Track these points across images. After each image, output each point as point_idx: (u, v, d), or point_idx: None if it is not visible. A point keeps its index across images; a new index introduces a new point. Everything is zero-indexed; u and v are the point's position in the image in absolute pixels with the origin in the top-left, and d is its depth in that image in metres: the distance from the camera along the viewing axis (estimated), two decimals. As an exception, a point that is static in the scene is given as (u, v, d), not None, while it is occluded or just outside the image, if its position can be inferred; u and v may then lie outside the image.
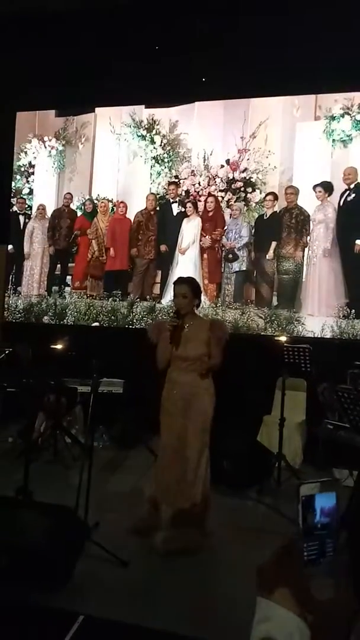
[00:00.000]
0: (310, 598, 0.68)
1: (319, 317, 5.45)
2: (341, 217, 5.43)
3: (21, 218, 6.65)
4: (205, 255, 5.89)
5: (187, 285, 3.13)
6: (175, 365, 3.09)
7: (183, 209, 6.00)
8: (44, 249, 6.53)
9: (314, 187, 5.49)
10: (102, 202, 6.33)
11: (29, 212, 6.64)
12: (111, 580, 2.62)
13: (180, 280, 3.20)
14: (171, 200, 6.06)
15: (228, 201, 5.85)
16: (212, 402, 3.11)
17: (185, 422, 3.03)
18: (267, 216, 5.69)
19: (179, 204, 6.03)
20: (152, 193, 6.14)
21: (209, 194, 5.90)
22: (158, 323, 3.33)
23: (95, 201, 6.36)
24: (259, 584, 0.76)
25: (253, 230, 5.76)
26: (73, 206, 6.46)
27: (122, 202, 6.24)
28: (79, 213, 6.43)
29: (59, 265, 6.47)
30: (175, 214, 6.04)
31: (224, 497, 3.83)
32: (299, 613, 0.71)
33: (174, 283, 3.21)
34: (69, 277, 6.45)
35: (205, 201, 5.89)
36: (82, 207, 6.41)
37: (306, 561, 0.73)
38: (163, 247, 6.05)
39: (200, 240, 5.89)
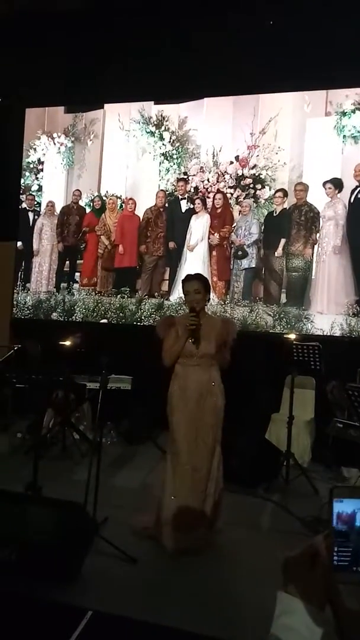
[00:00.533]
0: (340, 603, 0.67)
1: (328, 315, 5.42)
2: (351, 214, 5.38)
3: (30, 215, 6.67)
4: (214, 253, 5.87)
5: (199, 281, 3.10)
6: (186, 362, 3.06)
7: (192, 206, 5.98)
8: (53, 246, 6.54)
9: (324, 183, 5.45)
10: (110, 198, 6.33)
11: (38, 209, 6.66)
12: (120, 576, 2.63)
13: (191, 277, 3.16)
14: (180, 197, 6.04)
15: (237, 198, 5.82)
16: (223, 398, 3.10)
17: (198, 420, 3.01)
18: (277, 213, 5.66)
19: (187, 201, 6.02)
20: (161, 190, 6.12)
21: (218, 191, 5.88)
22: (167, 318, 3.29)
23: (104, 198, 6.36)
24: (285, 577, 0.74)
25: (262, 227, 5.73)
26: (82, 203, 6.47)
27: (131, 198, 6.24)
28: (88, 210, 6.43)
29: (67, 262, 6.49)
30: (184, 210, 6.03)
31: (232, 495, 3.81)
32: (323, 611, 0.69)
33: (184, 280, 3.16)
34: (77, 274, 6.46)
35: (214, 198, 5.87)
36: (91, 204, 6.42)
37: (336, 566, 0.70)
38: (171, 244, 6.04)
39: (209, 238, 5.87)
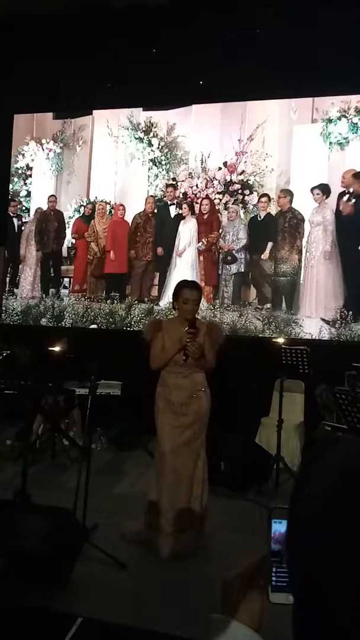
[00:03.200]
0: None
1: (316, 319, 5.47)
2: (339, 219, 5.44)
3: (16, 220, 6.65)
4: (201, 258, 5.90)
5: (199, 292, 3.12)
6: (173, 369, 3.07)
7: (180, 211, 6.01)
8: (42, 251, 6.53)
9: (312, 189, 5.51)
10: (99, 204, 6.33)
11: (26, 215, 6.64)
12: (109, 582, 2.61)
13: (192, 285, 3.13)
14: (169, 203, 6.07)
15: (226, 203, 5.87)
16: (209, 403, 3.11)
17: (183, 423, 3.03)
18: (262, 218, 5.71)
19: (176, 206, 6.05)
20: (151, 195, 6.15)
21: (206, 197, 5.91)
22: (155, 322, 3.30)
23: (94, 203, 6.36)
24: (222, 598, 0.75)
25: (248, 232, 5.78)
26: (68, 208, 6.46)
27: (121, 204, 6.25)
28: (76, 216, 6.42)
29: (53, 268, 6.47)
30: (172, 216, 6.05)
31: (223, 499, 3.82)
32: (259, 633, 0.70)
33: (184, 286, 3.09)
34: (65, 280, 6.44)
35: (201, 204, 5.91)
36: (81, 210, 6.41)
37: (274, 586, 0.71)
38: (159, 250, 6.06)
39: (198, 243, 5.90)
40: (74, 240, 6.43)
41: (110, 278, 6.24)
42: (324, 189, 5.49)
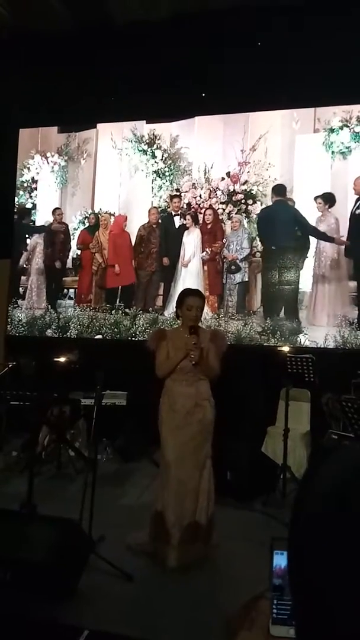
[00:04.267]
0: None
1: (322, 327, 5.46)
2: (352, 227, 5.41)
3: (23, 233, 6.72)
4: (205, 267, 5.92)
5: (202, 299, 3.16)
6: (178, 377, 3.08)
7: (184, 222, 6.05)
8: (46, 264, 6.58)
9: (315, 198, 5.53)
10: (103, 216, 6.39)
11: (32, 227, 6.71)
12: (116, 594, 2.60)
13: (195, 293, 3.17)
14: (173, 213, 6.11)
15: (229, 213, 5.90)
16: (213, 413, 3.11)
17: (187, 433, 3.02)
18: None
19: (181, 217, 6.09)
20: (154, 207, 6.20)
21: (209, 207, 5.95)
22: (159, 331, 3.31)
23: (99, 215, 6.42)
24: (227, 634, 0.76)
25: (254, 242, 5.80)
26: (67, 220, 6.52)
27: (123, 215, 6.29)
28: (81, 228, 6.48)
29: (58, 280, 6.52)
30: (177, 226, 6.10)
31: (229, 509, 3.80)
32: None
33: (187, 294, 3.14)
34: (71, 291, 6.49)
35: (204, 214, 5.94)
36: (85, 222, 6.47)
37: (275, 619, 0.71)
38: (165, 260, 6.09)
39: (202, 252, 5.93)
40: (79, 252, 6.48)
41: (117, 290, 6.26)
42: (327, 198, 5.50)
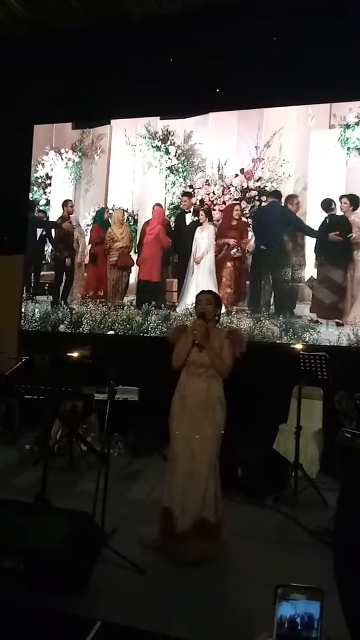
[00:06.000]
0: None
1: (334, 326, 5.42)
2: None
3: (38, 229, 6.77)
4: (219, 264, 5.91)
5: (210, 294, 3.28)
6: (190, 372, 3.11)
7: (195, 218, 6.04)
8: (58, 259, 6.62)
9: (340, 197, 5.45)
10: (117, 211, 6.39)
11: (46, 223, 6.75)
12: (128, 587, 2.62)
13: (205, 291, 3.34)
14: (185, 211, 6.11)
15: (243, 210, 5.88)
16: (224, 411, 3.11)
17: (197, 432, 3.03)
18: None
19: (192, 214, 6.08)
20: (157, 204, 6.17)
21: (222, 203, 5.93)
22: (180, 325, 3.41)
23: (111, 211, 6.44)
24: None
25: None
26: (80, 216, 6.52)
27: (157, 208, 6.20)
28: (91, 223, 6.49)
29: (71, 275, 6.55)
30: (188, 223, 6.09)
31: (241, 506, 3.81)
32: None
33: (199, 294, 3.28)
34: (79, 287, 6.53)
35: (232, 209, 5.88)
36: (99, 216, 6.47)
37: None
38: (175, 257, 6.11)
39: (215, 249, 5.91)
40: (89, 247, 6.50)
41: (142, 285, 6.24)
42: (352, 200, 5.41)
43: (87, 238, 6.53)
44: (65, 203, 6.60)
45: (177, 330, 3.27)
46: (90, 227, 6.53)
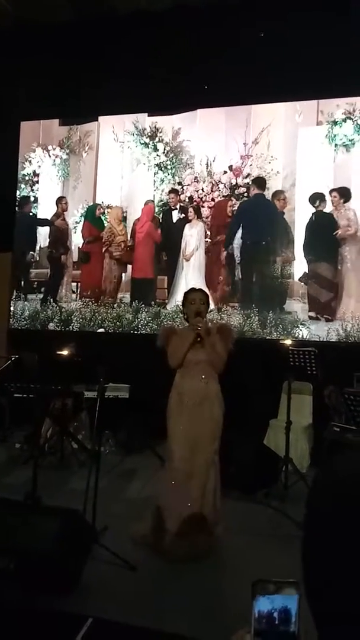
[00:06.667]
0: None
1: (324, 321, 5.46)
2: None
3: (27, 226, 6.71)
4: (210, 260, 5.91)
5: (203, 293, 3.31)
6: (186, 370, 3.12)
7: (182, 216, 6.03)
8: (49, 256, 6.57)
9: (330, 191, 5.48)
10: (116, 208, 6.31)
11: (34, 220, 6.70)
12: (120, 584, 2.62)
13: (197, 289, 3.36)
14: (172, 208, 6.10)
15: (232, 207, 5.89)
16: (222, 407, 3.13)
17: (196, 428, 3.04)
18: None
19: (179, 211, 6.07)
20: (151, 200, 6.15)
21: (228, 198, 5.91)
22: (168, 328, 3.47)
23: (107, 209, 6.37)
24: None
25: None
26: (69, 213, 6.47)
27: (149, 204, 6.17)
28: (82, 220, 6.45)
29: (61, 273, 6.50)
30: (175, 220, 6.08)
31: (231, 501, 3.82)
32: None
33: (189, 291, 3.32)
34: (73, 284, 6.48)
35: (226, 206, 5.87)
36: (91, 213, 6.40)
37: None
38: (164, 254, 6.10)
39: (205, 245, 5.91)
40: (80, 245, 6.45)
41: (137, 283, 6.21)
42: (342, 193, 5.45)
43: (75, 236, 6.48)
44: (60, 200, 6.53)
45: (165, 333, 3.25)
46: (78, 224, 6.49)
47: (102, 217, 6.36)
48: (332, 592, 0.49)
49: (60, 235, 6.51)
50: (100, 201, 6.42)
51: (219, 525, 3.09)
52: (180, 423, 3.05)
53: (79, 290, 6.44)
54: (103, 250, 6.31)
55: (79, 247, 6.51)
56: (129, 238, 6.25)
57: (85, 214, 6.45)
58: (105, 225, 6.33)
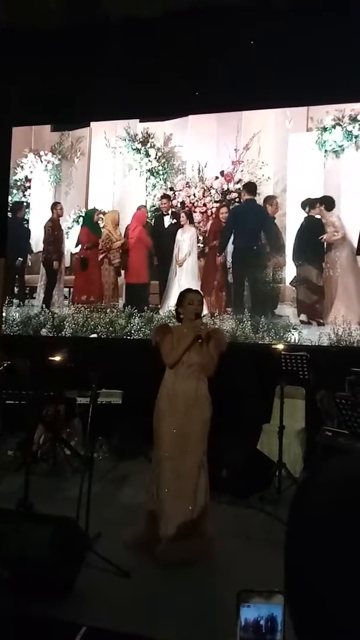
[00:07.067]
0: None
1: (315, 325, 5.49)
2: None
3: (19, 231, 6.69)
4: (202, 265, 5.93)
5: (200, 295, 3.38)
6: (179, 371, 3.14)
7: (174, 221, 6.05)
8: (42, 262, 6.55)
9: (314, 204, 5.51)
10: (112, 212, 6.30)
11: (26, 226, 6.69)
12: (113, 591, 2.61)
13: (195, 291, 3.44)
14: (163, 213, 6.12)
15: (224, 213, 5.92)
16: (210, 410, 3.16)
17: (185, 429, 3.06)
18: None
19: (171, 216, 6.09)
20: (143, 206, 6.17)
21: (203, 205, 5.96)
22: (163, 325, 3.47)
23: (101, 215, 6.35)
24: None
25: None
26: (61, 219, 6.46)
27: (141, 209, 6.17)
28: (75, 226, 6.44)
29: (54, 278, 6.49)
30: (167, 226, 6.10)
31: (225, 506, 3.82)
32: None
33: (187, 291, 3.36)
34: (65, 290, 6.47)
35: (218, 212, 5.91)
36: (89, 219, 6.36)
37: None
38: (155, 259, 6.11)
39: (197, 251, 5.94)
40: (76, 250, 6.42)
41: (132, 287, 6.20)
42: (327, 203, 5.49)
43: (68, 241, 6.46)
44: (55, 205, 6.51)
45: (160, 330, 3.29)
46: (70, 230, 6.48)
47: (100, 223, 6.34)
48: (315, 602, 0.49)
49: (54, 241, 6.50)
50: (93, 207, 6.42)
51: (208, 527, 3.09)
52: (170, 423, 3.08)
53: (70, 296, 6.42)
54: (101, 257, 6.28)
55: (71, 253, 6.50)
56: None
57: (83, 219, 6.42)
58: (102, 231, 6.32)
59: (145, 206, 6.21)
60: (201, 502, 3.01)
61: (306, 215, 5.58)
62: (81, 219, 6.44)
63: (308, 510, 0.52)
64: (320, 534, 0.49)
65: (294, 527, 0.54)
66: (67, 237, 6.49)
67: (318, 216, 5.55)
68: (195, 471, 3.02)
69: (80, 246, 6.40)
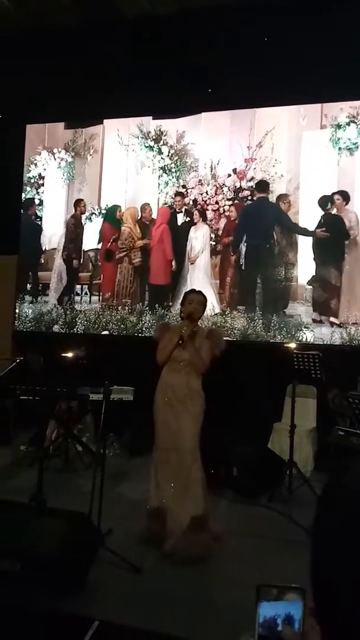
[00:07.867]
0: None
1: (327, 325, 5.46)
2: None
3: (32, 228, 6.74)
4: (215, 263, 5.92)
5: (202, 296, 3.41)
6: (171, 367, 3.23)
7: (187, 219, 6.05)
8: (56, 259, 6.59)
9: (333, 194, 5.48)
10: (131, 209, 6.28)
11: (39, 223, 6.74)
12: (124, 586, 2.64)
13: (196, 291, 3.46)
14: (177, 211, 6.12)
15: (231, 212, 5.91)
16: (203, 404, 3.23)
17: (178, 424, 3.13)
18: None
19: (184, 214, 6.09)
20: (147, 203, 6.18)
21: (215, 203, 5.95)
22: (164, 323, 3.61)
23: (122, 210, 6.33)
24: None
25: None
26: (85, 215, 6.49)
27: (164, 207, 6.16)
28: (87, 223, 6.47)
29: (73, 275, 6.52)
30: (180, 223, 6.10)
31: (235, 504, 3.83)
32: None
33: (188, 292, 3.45)
34: (78, 287, 6.51)
35: (229, 210, 5.90)
36: (111, 215, 6.36)
37: None
38: (170, 256, 6.11)
39: (210, 248, 5.93)
40: (90, 247, 6.42)
41: (155, 287, 6.19)
42: (345, 196, 5.46)
43: (85, 239, 6.47)
44: (78, 202, 6.50)
45: (161, 328, 3.41)
46: (84, 226, 6.50)
47: (122, 219, 6.31)
48: (342, 606, 0.49)
49: (75, 237, 6.53)
50: (105, 204, 6.44)
51: (210, 520, 3.14)
52: (164, 417, 3.18)
53: (91, 292, 6.36)
54: (121, 256, 6.24)
55: (83, 250, 6.52)
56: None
57: (105, 215, 6.40)
58: (123, 228, 6.30)
59: (149, 204, 6.19)
60: (199, 492, 3.04)
61: (323, 213, 5.54)
62: (93, 216, 6.46)
63: (337, 516, 0.52)
64: (348, 547, 0.50)
65: (319, 543, 0.54)
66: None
67: (335, 212, 5.51)
68: (187, 462, 3.08)
69: (102, 242, 6.38)
